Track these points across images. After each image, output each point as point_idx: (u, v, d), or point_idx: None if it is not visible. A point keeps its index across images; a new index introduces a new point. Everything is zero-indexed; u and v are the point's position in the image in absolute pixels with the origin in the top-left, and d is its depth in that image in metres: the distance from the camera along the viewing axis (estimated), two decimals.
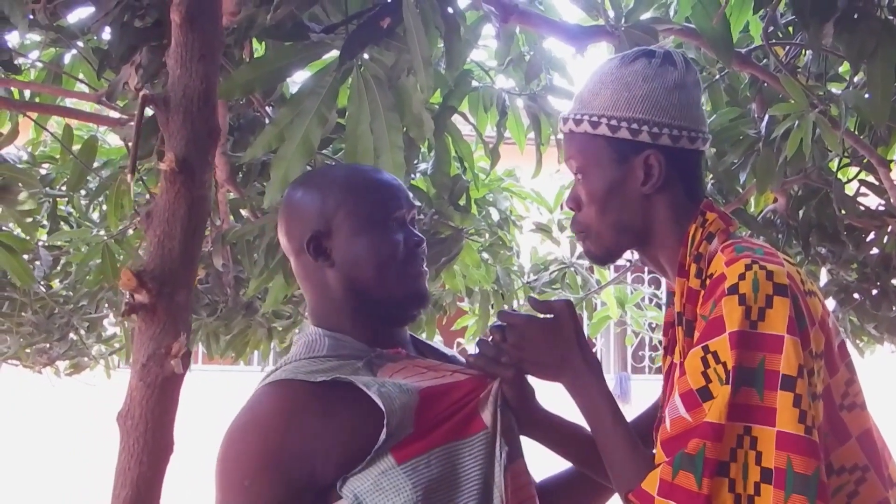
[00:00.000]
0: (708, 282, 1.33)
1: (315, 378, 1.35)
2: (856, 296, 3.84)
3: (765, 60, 2.88)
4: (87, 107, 3.43)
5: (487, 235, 3.93)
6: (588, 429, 1.42)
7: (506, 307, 4.48)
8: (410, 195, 1.54)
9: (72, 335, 4.90)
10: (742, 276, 1.26)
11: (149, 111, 1.85)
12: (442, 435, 1.34)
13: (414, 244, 1.47)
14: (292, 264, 1.52)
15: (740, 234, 1.44)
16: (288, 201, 1.52)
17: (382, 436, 1.30)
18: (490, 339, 1.46)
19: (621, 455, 1.34)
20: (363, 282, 1.44)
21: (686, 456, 1.22)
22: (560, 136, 3.34)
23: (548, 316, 1.45)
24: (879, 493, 1.32)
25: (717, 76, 3.04)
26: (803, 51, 2.88)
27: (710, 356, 1.25)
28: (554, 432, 1.50)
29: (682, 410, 1.26)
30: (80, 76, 3.06)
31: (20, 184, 3.08)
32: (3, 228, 3.38)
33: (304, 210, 1.47)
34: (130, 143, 2.60)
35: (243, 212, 3.37)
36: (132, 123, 2.52)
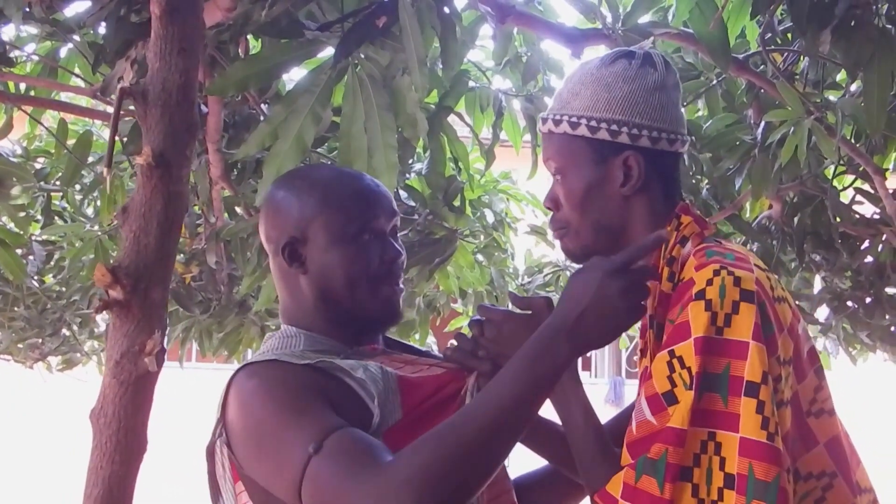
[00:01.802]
0: (679, 286, 1.33)
1: (298, 361, 1.33)
2: (849, 303, 3.84)
3: (762, 66, 2.88)
4: (83, 101, 3.43)
5: (482, 237, 3.93)
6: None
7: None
8: (394, 203, 1.51)
9: (64, 331, 4.89)
10: (710, 282, 1.26)
11: None
12: (429, 426, 1.33)
13: (390, 259, 1.45)
14: (270, 262, 1.51)
15: (715, 239, 1.44)
16: (269, 202, 1.50)
17: (376, 418, 1.27)
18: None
19: (591, 455, 1.33)
20: (334, 293, 1.43)
21: (648, 461, 1.21)
22: None
23: (526, 312, 1.44)
24: (847, 499, 1.32)
25: (714, 81, 3.04)
26: (801, 57, 2.88)
27: (675, 360, 1.25)
28: (529, 429, 1.49)
29: (647, 413, 1.26)
30: (76, 70, 3.05)
31: (14, 178, 3.07)
32: None
33: (282, 214, 1.46)
34: (123, 138, 2.61)
35: (237, 209, 3.36)
36: (127, 118, 2.52)
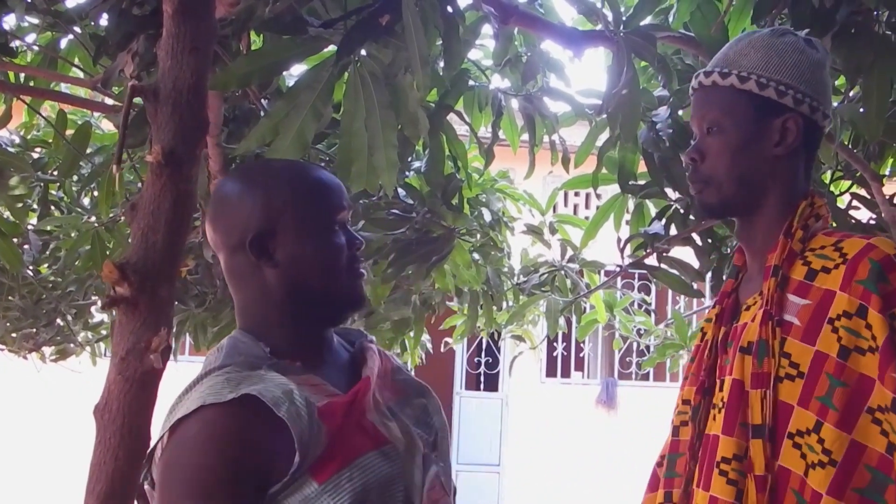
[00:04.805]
0: (810, 254, 1.44)
1: (224, 397, 1.29)
2: None
3: None
4: (82, 92, 3.42)
5: (479, 236, 3.93)
6: None
7: (495, 308, 4.49)
8: (347, 194, 1.51)
9: (59, 321, 4.88)
10: None
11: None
12: (357, 447, 1.31)
13: (356, 248, 1.46)
14: (222, 260, 1.45)
15: None
16: (224, 196, 1.44)
17: (296, 459, 1.26)
18: None
19: None
20: (306, 284, 1.41)
21: None
22: (555, 137, 3.36)
23: None
24: None
25: None
26: None
27: None
28: None
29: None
30: (76, 61, 3.05)
31: (11, 168, 3.07)
32: None
33: (245, 207, 1.40)
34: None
35: None
36: None
